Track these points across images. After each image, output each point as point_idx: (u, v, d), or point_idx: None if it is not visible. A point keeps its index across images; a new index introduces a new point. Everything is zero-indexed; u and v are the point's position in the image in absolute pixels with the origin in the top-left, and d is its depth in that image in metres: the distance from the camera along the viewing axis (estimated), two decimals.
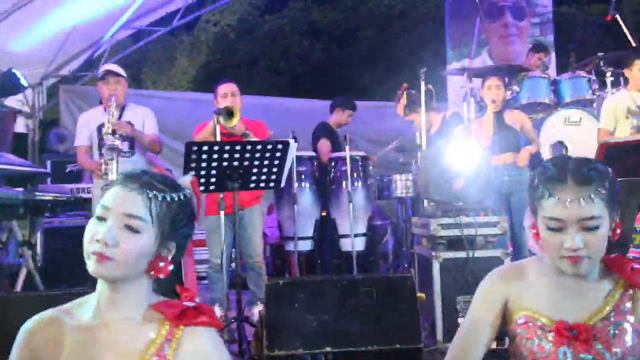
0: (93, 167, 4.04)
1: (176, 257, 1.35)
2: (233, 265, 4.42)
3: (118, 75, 4.14)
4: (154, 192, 1.29)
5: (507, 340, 1.63)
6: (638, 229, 4.37)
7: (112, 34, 7.12)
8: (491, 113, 4.36)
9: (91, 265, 1.25)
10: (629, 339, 1.49)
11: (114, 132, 3.88)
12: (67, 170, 6.21)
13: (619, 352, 1.47)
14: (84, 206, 5.33)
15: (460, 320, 3.01)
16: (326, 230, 4.95)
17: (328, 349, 2.85)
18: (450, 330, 3.22)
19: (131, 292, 1.30)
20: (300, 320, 2.90)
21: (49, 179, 5.76)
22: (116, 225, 1.25)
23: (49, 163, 6.16)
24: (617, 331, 1.49)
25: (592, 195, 1.42)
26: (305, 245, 4.83)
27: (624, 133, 4.31)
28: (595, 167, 1.47)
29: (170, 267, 1.34)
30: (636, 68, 4.28)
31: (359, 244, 4.76)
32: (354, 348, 2.86)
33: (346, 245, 4.77)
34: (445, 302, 3.30)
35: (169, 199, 1.30)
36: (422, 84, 4.71)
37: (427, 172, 3.50)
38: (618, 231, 1.49)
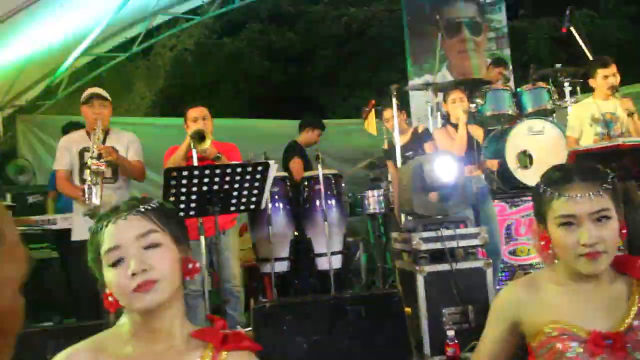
0: (75, 193, 3.90)
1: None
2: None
3: (104, 98, 4.04)
4: (144, 206, 1.29)
5: None
6: None
7: (73, 61, 6.98)
8: (465, 124, 4.43)
9: (140, 302, 1.23)
10: None
11: (99, 157, 3.76)
12: (28, 202, 6.03)
13: None
14: (50, 239, 5.18)
15: (448, 332, 3.01)
16: (301, 250, 4.92)
17: None
18: (437, 343, 3.23)
19: (167, 319, 1.28)
20: (290, 342, 2.86)
21: (9, 212, 5.56)
22: (137, 253, 1.23)
23: (8, 196, 5.96)
24: None
25: (599, 191, 1.47)
26: (282, 266, 4.78)
27: (587, 140, 4.45)
28: (597, 167, 1.53)
29: (198, 265, 1.34)
30: (599, 76, 4.43)
31: (336, 262, 4.74)
32: None
33: (322, 264, 4.73)
34: (431, 315, 3.31)
35: (156, 206, 1.31)
36: (394, 100, 4.76)
37: (408, 187, 3.51)
38: (624, 231, 1.52)
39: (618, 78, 4.43)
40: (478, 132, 4.73)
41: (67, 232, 4.19)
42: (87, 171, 3.73)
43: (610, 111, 4.44)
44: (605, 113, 4.42)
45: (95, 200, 3.69)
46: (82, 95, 4.13)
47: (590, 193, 1.47)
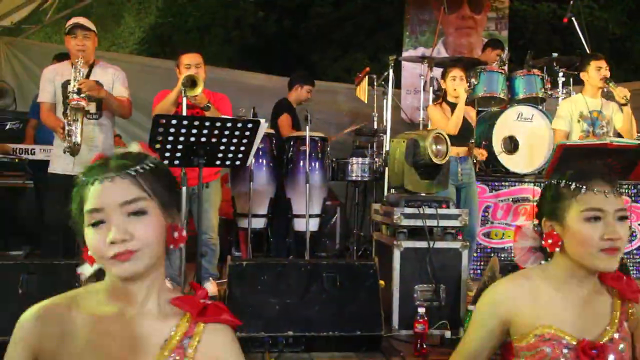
0: (55, 126, 3.77)
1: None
2: None
3: (87, 29, 3.89)
4: (134, 168, 1.22)
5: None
6: None
7: None
8: (463, 104, 4.41)
9: (117, 270, 1.18)
10: (630, 353, 1.57)
11: (80, 91, 3.65)
12: (6, 128, 5.88)
13: None
14: (27, 168, 5.09)
15: (419, 309, 3.05)
16: (280, 209, 4.92)
17: (290, 332, 2.85)
18: (407, 318, 3.28)
19: (147, 285, 1.25)
20: (263, 302, 2.88)
21: None
22: (120, 220, 1.18)
23: None
24: (623, 345, 1.55)
25: (620, 189, 1.53)
26: (259, 223, 4.79)
27: (574, 136, 4.50)
28: (611, 168, 1.60)
29: (184, 233, 1.29)
30: (592, 68, 4.44)
31: (313, 225, 4.77)
32: (316, 333, 2.88)
33: (300, 225, 4.76)
34: (404, 290, 3.35)
35: (149, 167, 1.23)
36: (390, 71, 4.71)
37: (400, 161, 3.51)
38: None
39: (608, 73, 4.46)
40: (472, 114, 4.71)
41: (45, 163, 4.11)
42: (67, 107, 3.64)
43: (597, 109, 4.48)
44: (592, 111, 4.47)
45: (75, 138, 3.60)
46: (66, 24, 3.99)
47: (615, 190, 1.52)
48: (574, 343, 1.52)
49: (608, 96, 4.59)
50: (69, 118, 3.61)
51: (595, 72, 4.44)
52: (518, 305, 1.57)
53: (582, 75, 4.58)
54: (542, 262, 1.65)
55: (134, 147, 1.30)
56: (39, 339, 1.21)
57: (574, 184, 1.53)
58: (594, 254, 1.49)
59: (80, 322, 1.22)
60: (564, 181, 1.56)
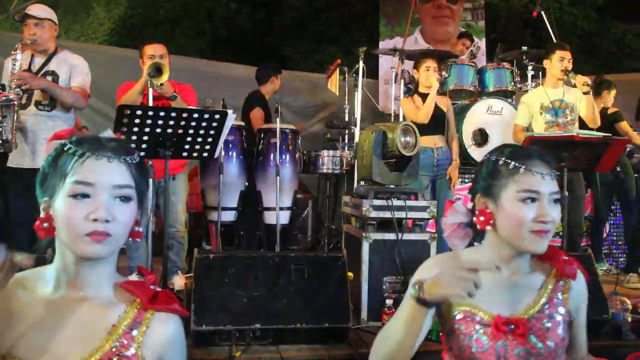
0: None
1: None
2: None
3: (39, 18, 3.77)
4: (130, 157, 1.24)
5: None
6: None
7: None
8: (434, 94, 4.44)
9: (87, 248, 1.17)
10: (560, 330, 1.55)
11: (3, 88, 3.54)
12: None
13: (552, 345, 1.52)
14: None
15: (387, 301, 3.06)
16: (250, 202, 4.88)
17: (257, 325, 2.82)
18: (375, 309, 3.29)
19: (100, 269, 1.24)
20: (230, 295, 2.85)
21: None
22: (107, 201, 1.18)
23: None
24: (550, 324, 1.54)
25: (555, 173, 1.53)
26: (229, 216, 4.74)
27: (538, 128, 4.53)
28: (547, 153, 1.57)
29: (142, 229, 1.31)
30: (556, 57, 4.48)
31: (284, 218, 4.74)
32: (283, 325, 2.86)
33: (270, 218, 4.72)
34: (372, 282, 3.35)
35: (138, 160, 1.26)
36: (361, 62, 4.69)
37: (368, 153, 3.50)
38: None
39: (571, 65, 4.49)
40: (444, 101, 4.72)
41: (6, 156, 4.01)
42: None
43: (558, 99, 4.52)
44: (554, 101, 4.50)
45: (5, 135, 3.51)
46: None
47: (551, 174, 1.52)
48: (487, 318, 1.52)
49: (571, 85, 4.62)
50: (1, 114, 3.51)
51: (558, 62, 4.47)
52: None
53: (545, 62, 4.61)
54: (470, 239, 1.65)
55: (108, 135, 1.30)
56: None
57: (512, 162, 1.52)
58: (524, 234, 1.49)
59: (27, 303, 1.20)
60: (502, 159, 1.54)
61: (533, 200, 1.49)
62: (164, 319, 1.26)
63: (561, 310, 1.58)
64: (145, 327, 1.23)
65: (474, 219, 1.58)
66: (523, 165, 1.51)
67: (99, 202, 1.18)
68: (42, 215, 1.22)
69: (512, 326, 1.50)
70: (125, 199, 1.22)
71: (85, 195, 1.18)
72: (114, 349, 1.19)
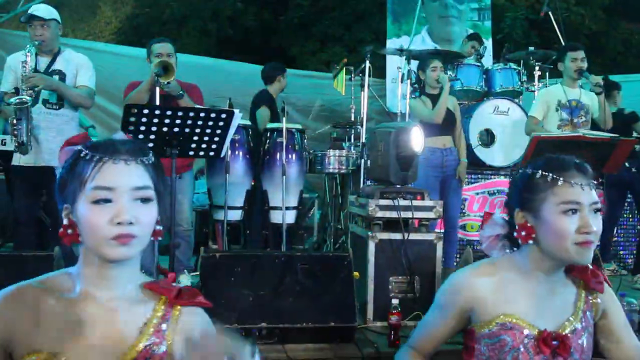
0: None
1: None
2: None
3: (43, 19, 3.78)
4: (146, 157, 1.25)
5: None
6: None
7: None
8: (448, 91, 4.44)
9: (114, 251, 1.19)
10: (591, 344, 1.57)
11: (17, 91, 3.57)
12: None
13: (586, 359, 1.55)
14: None
15: (393, 300, 3.05)
16: (256, 201, 4.88)
17: (263, 324, 2.82)
18: (381, 309, 3.28)
19: (124, 270, 1.26)
20: (236, 294, 2.85)
21: None
22: (129, 204, 1.20)
23: None
24: (585, 339, 1.55)
25: (594, 183, 1.51)
26: (235, 215, 4.74)
27: (551, 125, 4.51)
28: (585, 161, 1.56)
29: (162, 228, 1.31)
30: (568, 59, 4.47)
31: (290, 217, 4.74)
32: (289, 324, 2.85)
33: (276, 217, 4.72)
34: (378, 281, 3.35)
35: (154, 160, 1.28)
36: (367, 62, 4.68)
37: (385, 154, 3.49)
38: None
39: (586, 64, 4.48)
40: (451, 102, 4.71)
41: (11, 154, 4.03)
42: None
43: (575, 98, 4.50)
44: (571, 100, 4.48)
45: (21, 137, 3.53)
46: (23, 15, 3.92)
47: (590, 184, 1.50)
48: (535, 333, 1.52)
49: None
50: (15, 117, 3.53)
51: (571, 63, 4.46)
52: (479, 294, 1.55)
53: (559, 65, 4.60)
54: (508, 251, 1.64)
55: (120, 137, 1.31)
56: (9, 322, 1.19)
57: (550, 174, 1.49)
58: (568, 247, 1.48)
59: (51, 305, 1.21)
60: (539, 172, 1.52)
61: (574, 211, 1.47)
62: (191, 313, 1.30)
63: (592, 323, 1.60)
64: (175, 322, 1.27)
65: (515, 233, 1.57)
66: (561, 177, 1.49)
67: (121, 205, 1.19)
68: (65, 222, 1.24)
69: (557, 342, 1.50)
70: (146, 200, 1.23)
71: (107, 200, 1.19)
72: (147, 347, 1.22)
